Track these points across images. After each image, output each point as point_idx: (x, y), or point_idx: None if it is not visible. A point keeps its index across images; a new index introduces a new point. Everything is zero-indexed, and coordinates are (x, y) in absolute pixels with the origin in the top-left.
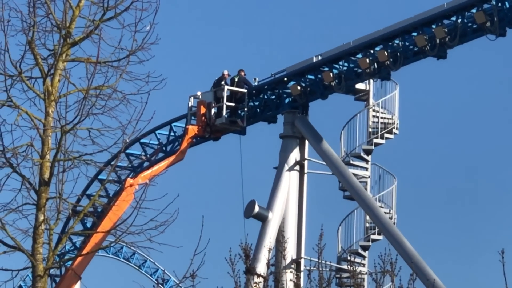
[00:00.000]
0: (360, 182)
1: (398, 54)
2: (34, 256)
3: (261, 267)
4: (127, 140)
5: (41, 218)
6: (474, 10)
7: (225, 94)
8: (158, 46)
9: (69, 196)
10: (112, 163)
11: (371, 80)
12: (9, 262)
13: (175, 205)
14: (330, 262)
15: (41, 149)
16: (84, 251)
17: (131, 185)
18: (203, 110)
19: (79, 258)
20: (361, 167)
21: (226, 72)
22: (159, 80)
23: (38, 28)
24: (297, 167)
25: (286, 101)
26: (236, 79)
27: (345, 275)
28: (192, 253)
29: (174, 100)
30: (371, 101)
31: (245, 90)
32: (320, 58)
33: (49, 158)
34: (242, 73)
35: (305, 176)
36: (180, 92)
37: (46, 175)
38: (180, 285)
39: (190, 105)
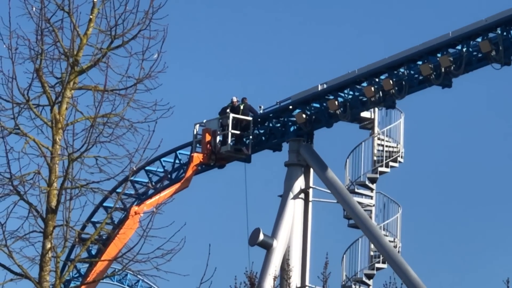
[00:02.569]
0: (365, 210)
1: (403, 82)
2: (41, 284)
3: None
4: (134, 168)
5: (48, 245)
6: (479, 39)
7: (230, 122)
8: (165, 74)
9: (76, 224)
10: (119, 190)
11: (376, 109)
12: None
13: (182, 233)
14: None
15: (48, 177)
16: (90, 279)
17: (136, 213)
18: (208, 137)
19: (84, 286)
20: (365, 195)
21: (235, 99)
22: (166, 108)
23: (45, 56)
24: (302, 195)
25: (291, 129)
26: (242, 107)
27: None
28: (198, 282)
29: (179, 128)
30: (376, 129)
31: (250, 118)
32: (325, 86)
33: (56, 186)
34: (246, 101)
35: (310, 204)
36: (186, 120)
37: (53, 203)
38: None
39: (195, 133)
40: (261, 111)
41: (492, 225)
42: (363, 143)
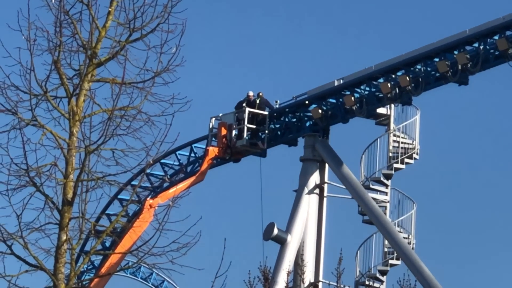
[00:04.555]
0: (380, 206)
1: (420, 79)
2: (56, 276)
3: None
4: (151, 162)
5: (64, 237)
6: (496, 37)
7: (246, 116)
8: (183, 68)
9: (91, 216)
10: (135, 183)
11: (393, 105)
12: (30, 281)
13: (197, 227)
14: (349, 286)
15: (65, 169)
16: (103, 271)
17: (150, 206)
18: (224, 131)
19: (98, 279)
20: (380, 191)
21: (251, 94)
22: (184, 102)
23: (64, 48)
24: (317, 190)
25: (307, 124)
26: (258, 101)
27: None
28: (213, 276)
29: (195, 121)
30: (392, 125)
31: (266, 113)
32: (341, 82)
33: (72, 178)
34: (262, 95)
35: (325, 199)
36: (202, 113)
37: (70, 195)
38: None
39: (211, 126)
40: (277, 106)
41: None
42: (378, 139)
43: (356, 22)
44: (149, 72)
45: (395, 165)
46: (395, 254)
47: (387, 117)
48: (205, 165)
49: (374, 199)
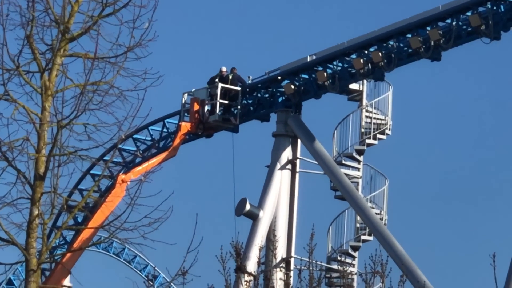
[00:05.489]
0: (352, 182)
1: (392, 55)
2: (28, 251)
3: (252, 266)
4: (123, 136)
5: (36, 212)
6: (469, 13)
7: (218, 91)
8: (155, 43)
9: (63, 191)
10: (107, 158)
11: (365, 81)
12: (2, 256)
13: (169, 202)
14: (321, 261)
15: (37, 144)
16: (76, 246)
17: (123, 181)
18: (196, 107)
19: (70, 253)
20: (353, 167)
21: (224, 69)
22: (156, 77)
23: (36, 23)
24: (289, 166)
25: (280, 99)
26: (230, 77)
27: (335, 275)
28: (184, 251)
29: (168, 97)
30: (364, 101)
31: (238, 88)
32: (314, 57)
33: (44, 152)
34: (235, 71)
35: (297, 175)
36: (174, 89)
37: (42, 170)
38: (171, 282)
39: (183, 102)
40: (249, 81)
41: (480, 199)
42: (351, 115)
43: None
44: (121, 47)
45: (367, 141)
46: (367, 230)
47: (360, 92)
48: (177, 141)
49: (346, 174)
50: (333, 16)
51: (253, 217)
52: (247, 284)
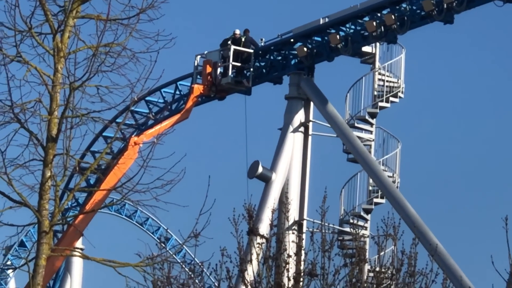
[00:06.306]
0: (364, 145)
1: (405, 18)
2: (40, 212)
3: (264, 228)
4: (136, 98)
5: (48, 174)
6: None
7: (231, 54)
8: (168, 4)
9: (76, 153)
10: (119, 120)
11: (378, 44)
12: (14, 217)
13: (182, 164)
14: (333, 224)
15: (50, 106)
16: (88, 208)
17: (135, 143)
18: (209, 69)
19: (82, 215)
20: (365, 130)
21: (237, 32)
22: (169, 39)
23: None
24: (302, 129)
25: (292, 62)
26: (243, 39)
27: (347, 237)
28: (197, 213)
29: (180, 59)
30: (377, 64)
31: (251, 51)
32: (327, 20)
33: (57, 114)
34: (248, 33)
35: (310, 137)
36: (187, 51)
37: (54, 132)
38: (184, 244)
39: (196, 64)
40: (262, 44)
41: (493, 162)
42: (363, 77)
43: None
44: (134, 9)
45: (380, 104)
46: (380, 193)
47: (372, 55)
48: (190, 103)
49: (359, 137)
50: None
51: (266, 180)
52: (260, 246)
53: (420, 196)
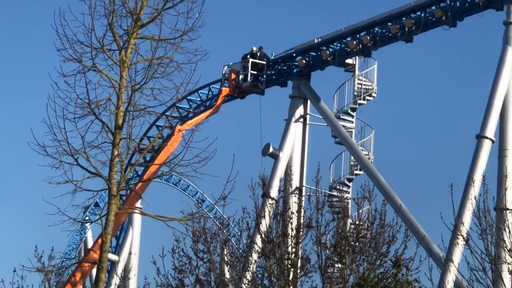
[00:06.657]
0: (347, 131)
1: (377, 38)
2: (110, 181)
3: (274, 193)
4: (180, 97)
5: (116, 153)
6: (433, 7)
7: (249, 64)
8: (203, 28)
9: (136, 137)
10: (168, 113)
11: (357, 57)
12: (91, 185)
13: (214, 145)
14: (324, 189)
15: (117, 103)
16: (145, 178)
17: (179, 130)
18: (233, 76)
19: (141, 183)
20: (348, 120)
21: (254, 48)
22: (204, 53)
23: (116, 14)
24: (301, 120)
25: (294, 71)
26: (258, 54)
27: (335, 199)
28: (225, 181)
29: (212, 68)
30: (357, 72)
31: (264, 62)
32: (320, 40)
33: (122, 109)
34: (262, 50)
35: (307, 126)
36: (217, 63)
37: (120, 122)
38: (215, 204)
39: (224, 72)
40: (272, 57)
41: (439, 145)
42: (346, 82)
43: None
44: (178, 32)
45: (359, 101)
46: (359, 166)
47: (353, 66)
48: (219, 101)
49: (343, 126)
50: (335, 8)
51: (275, 157)
52: (271, 206)
53: (389, 169)
